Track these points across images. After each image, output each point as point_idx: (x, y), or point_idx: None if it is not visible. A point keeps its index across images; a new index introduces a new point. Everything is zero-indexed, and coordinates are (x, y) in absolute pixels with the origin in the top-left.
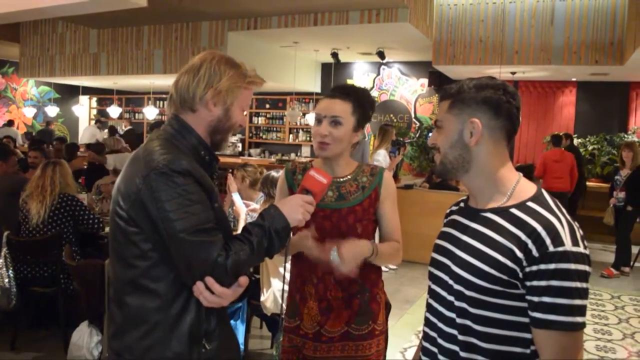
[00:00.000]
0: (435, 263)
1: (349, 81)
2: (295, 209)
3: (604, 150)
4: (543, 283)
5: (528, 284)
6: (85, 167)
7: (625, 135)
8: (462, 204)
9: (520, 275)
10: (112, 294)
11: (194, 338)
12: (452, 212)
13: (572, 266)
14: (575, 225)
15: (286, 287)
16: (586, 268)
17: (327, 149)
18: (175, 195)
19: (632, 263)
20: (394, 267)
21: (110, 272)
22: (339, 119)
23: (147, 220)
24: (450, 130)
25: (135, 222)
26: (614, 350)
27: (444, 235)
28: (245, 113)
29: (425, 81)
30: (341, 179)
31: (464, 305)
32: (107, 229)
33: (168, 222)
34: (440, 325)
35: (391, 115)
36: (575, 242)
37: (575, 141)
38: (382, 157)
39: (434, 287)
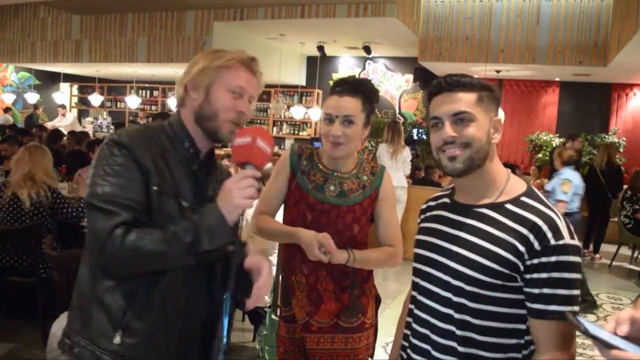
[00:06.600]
0: (423, 259)
1: (335, 75)
2: (230, 194)
3: (585, 150)
4: (544, 275)
5: (528, 276)
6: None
7: (606, 136)
8: (445, 199)
9: (521, 268)
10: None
11: (108, 325)
12: (431, 208)
13: (571, 258)
14: (566, 219)
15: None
16: (580, 260)
17: (341, 149)
18: (103, 163)
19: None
20: None
21: None
22: (351, 117)
23: None
24: (484, 124)
25: None
26: (592, 348)
27: (428, 231)
28: (244, 99)
29: (410, 77)
30: (345, 175)
31: (463, 300)
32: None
33: (88, 186)
34: (434, 321)
35: (375, 111)
36: (571, 236)
37: (557, 141)
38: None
39: (424, 284)
